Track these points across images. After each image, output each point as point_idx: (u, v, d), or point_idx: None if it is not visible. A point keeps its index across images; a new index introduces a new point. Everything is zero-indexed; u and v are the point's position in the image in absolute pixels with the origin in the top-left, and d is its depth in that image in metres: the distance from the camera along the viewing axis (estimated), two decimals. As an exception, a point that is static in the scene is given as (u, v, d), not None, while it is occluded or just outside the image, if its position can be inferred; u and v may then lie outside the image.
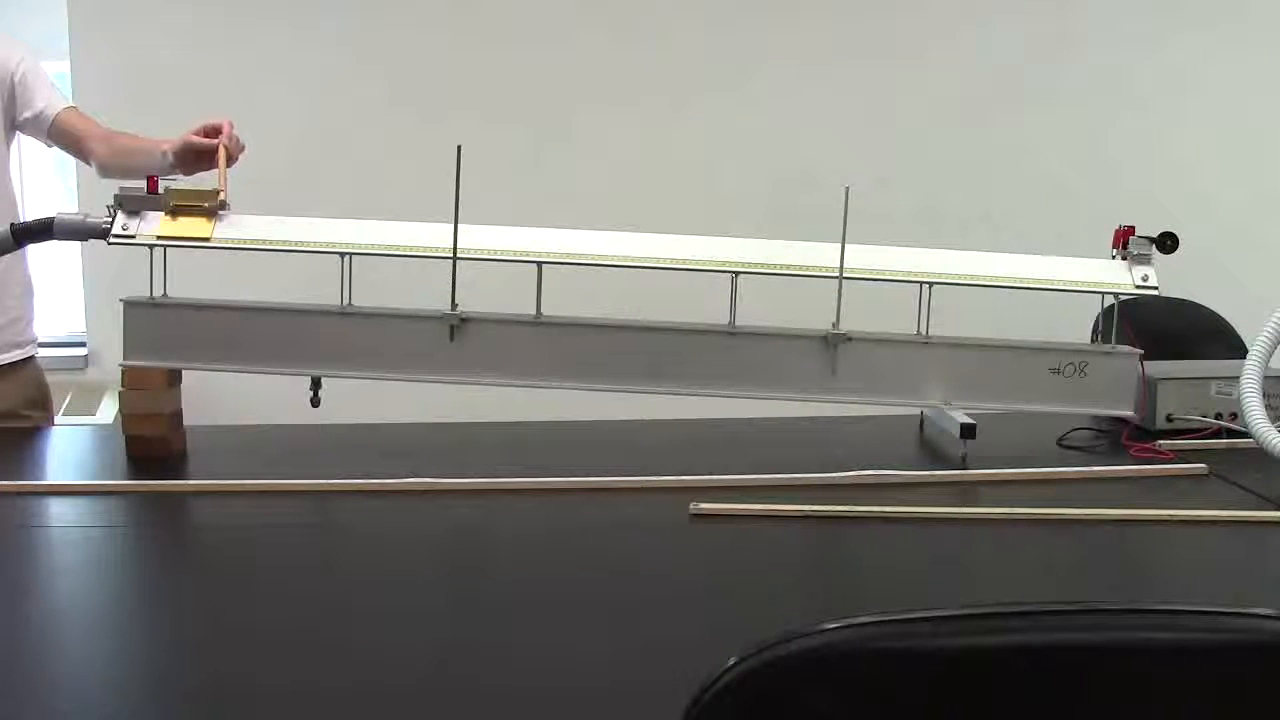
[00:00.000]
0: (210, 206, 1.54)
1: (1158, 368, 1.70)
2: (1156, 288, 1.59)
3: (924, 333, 1.58)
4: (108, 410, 2.95)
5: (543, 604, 1.12)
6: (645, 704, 0.89)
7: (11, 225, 1.57)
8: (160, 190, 1.54)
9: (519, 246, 1.55)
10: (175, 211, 1.53)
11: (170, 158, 1.81)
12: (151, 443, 1.54)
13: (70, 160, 3.08)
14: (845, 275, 1.53)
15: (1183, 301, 2.47)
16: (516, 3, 3.16)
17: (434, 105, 3.09)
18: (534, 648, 1.02)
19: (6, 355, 2.00)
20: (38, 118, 1.97)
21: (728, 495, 1.38)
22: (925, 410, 1.69)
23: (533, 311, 1.54)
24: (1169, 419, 1.69)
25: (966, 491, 1.49)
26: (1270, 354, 1.54)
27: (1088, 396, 1.60)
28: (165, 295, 1.55)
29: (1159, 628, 0.63)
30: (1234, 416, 1.64)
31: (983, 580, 1.23)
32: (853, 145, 3.16)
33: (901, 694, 0.62)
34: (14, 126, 1.99)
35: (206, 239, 1.53)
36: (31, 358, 2.06)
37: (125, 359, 1.53)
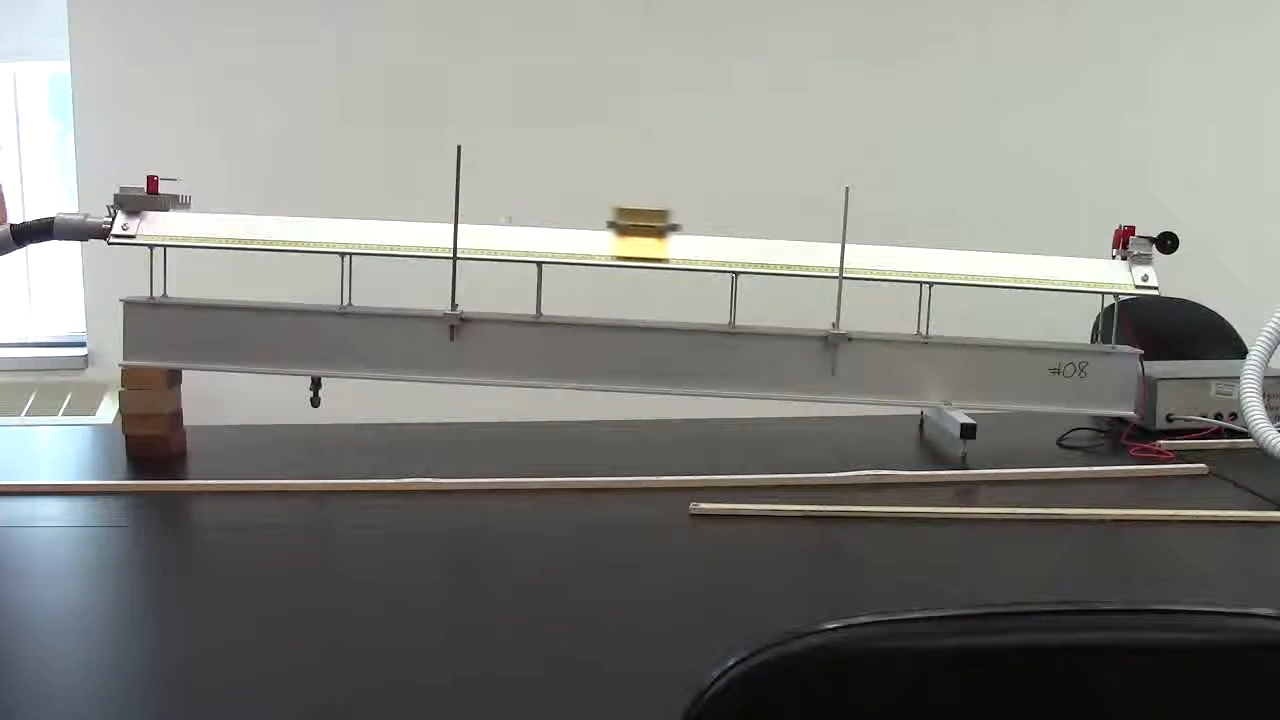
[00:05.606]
0: (661, 227, 1.55)
1: (1158, 368, 1.70)
2: (1156, 288, 1.59)
3: (924, 333, 1.58)
4: (108, 410, 2.96)
5: (542, 604, 1.12)
6: (645, 704, 0.89)
7: (11, 225, 1.57)
8: (156, 192, 1.55)
9: (519, 246, 1.55)
10: (624, 231, 1.55)
11: None
12: (151, 443, 1.54)
13: (70, 160, 3.09)
14: (845, 275, 1.54)
15: (1183, 301, 2.47)
16: (516, 4, 3.16)
17: (434, 107, 3.09)
18: (533, 648, 1.02)
19: None
20: None
21: (728, 495, 1.38)
22: (925, 410, 1.69)
23: (533, 311, 1.54)
24: (1169, 419, 1.69)
25: (966, 491, 1.49)
26: (1270, 354, 1.54)
27: (1088, 396, 1.60)
28: (165, 295, 1.55)
29: (1159, 628, 0.63)
30: (1234, 416, 1.64)
31: (983, 580, 1.23)
32: (853, 145, 3.16)
33: (901, 694, 0.62)
34: None
35: (663, 260, 1.54)
36: None
37: (125, 359, 1.53)
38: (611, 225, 1.56)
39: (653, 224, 1.56)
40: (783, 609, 1.11)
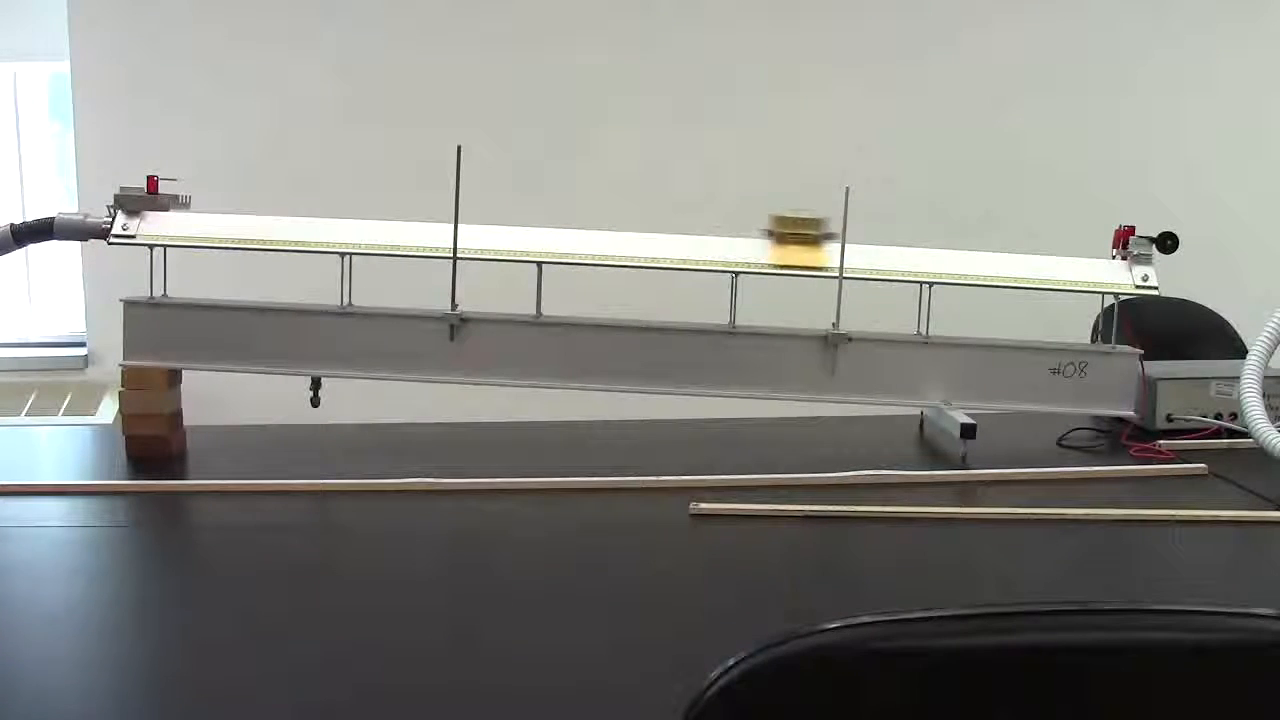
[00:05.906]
0: (816, 235, 1.55)
1: (1158, 368, 1.70)
2: (1156, 288, 1.59)
3: (924, 333, 1.58)
4: (108, 410, 2.95)
5: (543, 604, 1.12)
6: (645, 704, 0.89)
7: (11, 225, 1.57)
8: (156, 192, 1.55)
9: (519, 246, 1.55)
10: (783, 239, 1.55)
11: None
12: (151, 443, 1.54)
13: (70, 160, 3.09)
14: (845, 275, 1.54)
15: (1183, 301, 2.47)
16: (516, 4, 3.16)
17: (434, 107, 3.09)
18: (534, 647, 1.02)
19: None
20: None
21: (728, 495, 1.38)
22: (925, 410, 1.69)
23: (533, 311, 1.54)
24: (1169, 419, 1.69)
25: (966, 491, 1.49)
26: (1270, 354, 1.54)
27: (1088, 396, 1.60)
28: (165, 295, 1.55)
29: (1159, 628, 0.63)
30: (1234, 416, 1.64)
31: (983, 580, 1.23)
32: (853, 145, 3.16)
33: (901, 694, 0.62)
34: None
35: (821, 268, 1.54)
36: None
37: (125, 359, 1.53)
38: (769, 234, 1.56)
39: (809, 232, 1.56)
40: (783, 609, 1.11)
